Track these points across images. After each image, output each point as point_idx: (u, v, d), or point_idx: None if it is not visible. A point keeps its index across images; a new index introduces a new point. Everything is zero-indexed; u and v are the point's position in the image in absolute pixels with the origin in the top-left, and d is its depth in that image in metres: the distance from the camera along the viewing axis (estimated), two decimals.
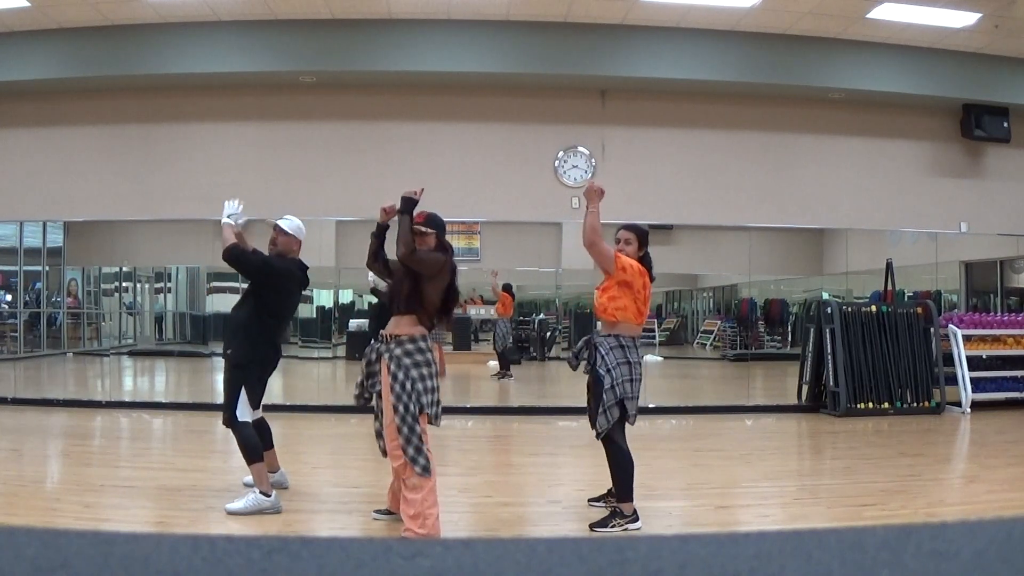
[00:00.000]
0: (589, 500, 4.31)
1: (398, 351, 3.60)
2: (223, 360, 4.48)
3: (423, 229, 3.69)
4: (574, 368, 4.14)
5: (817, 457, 6.63)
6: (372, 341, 3.83)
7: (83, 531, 0.52)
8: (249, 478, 4.30)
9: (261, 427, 4.49)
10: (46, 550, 0.49)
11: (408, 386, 3.55)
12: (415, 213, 3.68)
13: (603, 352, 3.91)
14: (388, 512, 3.96)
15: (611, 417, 3.83)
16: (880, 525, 0.54)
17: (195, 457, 5.81)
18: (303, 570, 0.48)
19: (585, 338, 4.12)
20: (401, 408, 3.54)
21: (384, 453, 3.79)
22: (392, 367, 3.58)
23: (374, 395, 3.83)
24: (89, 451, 6.22)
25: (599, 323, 4.13)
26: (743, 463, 5.77)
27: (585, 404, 4.13)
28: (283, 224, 4.54)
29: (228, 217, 4.31)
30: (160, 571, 0.47)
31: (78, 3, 7.47)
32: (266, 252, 4.50)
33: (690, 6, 7.75)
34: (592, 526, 3.92)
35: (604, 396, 3.83)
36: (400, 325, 3.66)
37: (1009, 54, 8.58)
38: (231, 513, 4.06)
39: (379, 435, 3.83)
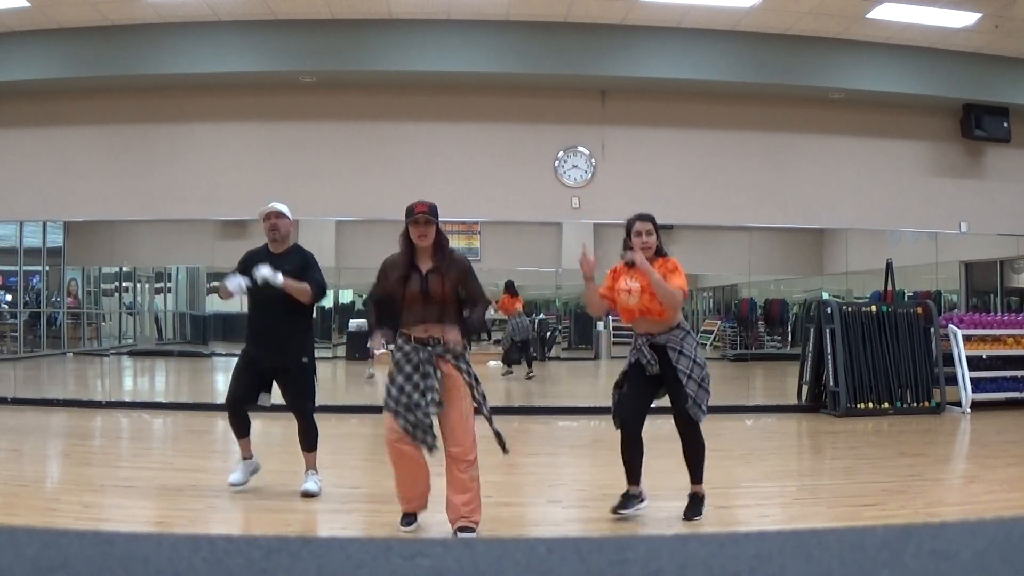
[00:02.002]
0: (616, 509, 4.00)
1: (458, 349, 3.71)
2: (286, 369, 4.46)
3: (430, 219, 3.66)
4: (657, 371, 3.96)
5: (817, 457, 6.63)
6: (401, 344, 3.69)
7: (83, 531, 0.52)
8: (313, 485, 4.46)
9: (245, 415, 4.57)
10: (46, 550, 0.49)
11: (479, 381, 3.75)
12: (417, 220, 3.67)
13: (679, 347, 3.92)
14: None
15: (705, 403, 3.92)
16: (880, 525, 0.54)
17: (195, 457, 5.81)
18: (303, 570, 0.48)
19: (644, 343, 3.98)
20: (486, 405, 3.72)
21: (430, 449, 3.63)
22: (462, 364, 3.68)
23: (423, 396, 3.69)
24: (89, 451, 6.22)
25: (644, 323, 4.00)
26: (743, 463, 5.77)
27: (610, 402, 4.15)
28: (283, 207, 4.54)
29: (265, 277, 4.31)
30: (160, 571, 0.47)
31: (78, 3, 7.47)
32: (269, 243, 4.53)
33: (690, 6, 7.75)
34: (688, 517, 3.94)
35: (703, 383, 3.90)
36: (450, 330, 3.67)
37: (1009, 54, 8.57)
38: (313, 494, 4.39)
39: (427, 429, 3.62)
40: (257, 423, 6.44)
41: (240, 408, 4.54)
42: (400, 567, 0.48)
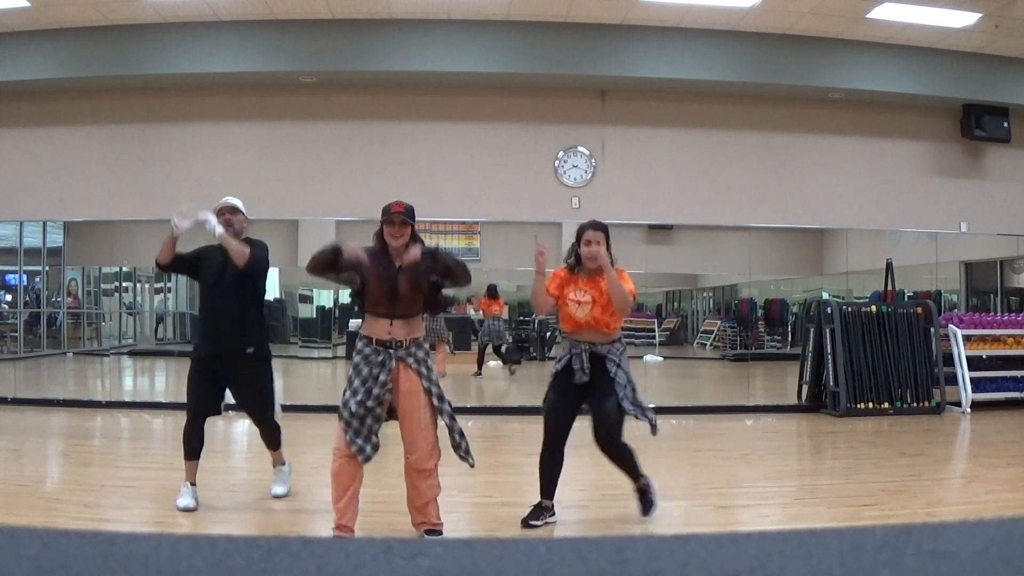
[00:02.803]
0: (528, 522, 3.93)
1: (420, 353, 3.59)
2: (233, 360, 4.22)
3: (406, 220, 3.54)
4: (585, 380, 3.87)
5: (817, 457, 6.63)
6: (367, 348, 3.56)
7: (83, 531, 0.52)
8: (281, 488, 4.40)
9: (202, 431, 4.30)
10: (46, 550, 0.49)
11: (439, 384, 3.61)
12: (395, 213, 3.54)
13: (617, 360, 3.85)
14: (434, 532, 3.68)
15: (650, 411, 3.85)
16: (880, 525, 0.54)
17: None
18: (303, 570, 0.48)
19: (584, 350, 3.85)
20: (447, 406, 3.56)
21: (372, 453, 3.51)
22: (423, 370, 3.55)
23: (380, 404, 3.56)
24: (89, 451, 6.21)
25: (589, 334, 3.88)
26: (743, 463, 5.77)
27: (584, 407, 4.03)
28: (237, 202, 4.32)
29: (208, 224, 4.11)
30: (160, 571, 0.47)
31: (78, 3, 7.47)
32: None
33: (690, 6, 7.75)
34: (647, 512, 3.90)
35: (637, 398, 3.83)
36: (414, 328, 3.59)
37: (1009, 54, 8.57)
38: (282, 496, 4.35)
39: (369, 438, 3.52)
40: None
41: (202, 420, 4.28)
42: (400, 567, 0.48)
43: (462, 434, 3.58)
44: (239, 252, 4.13)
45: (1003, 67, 8.66)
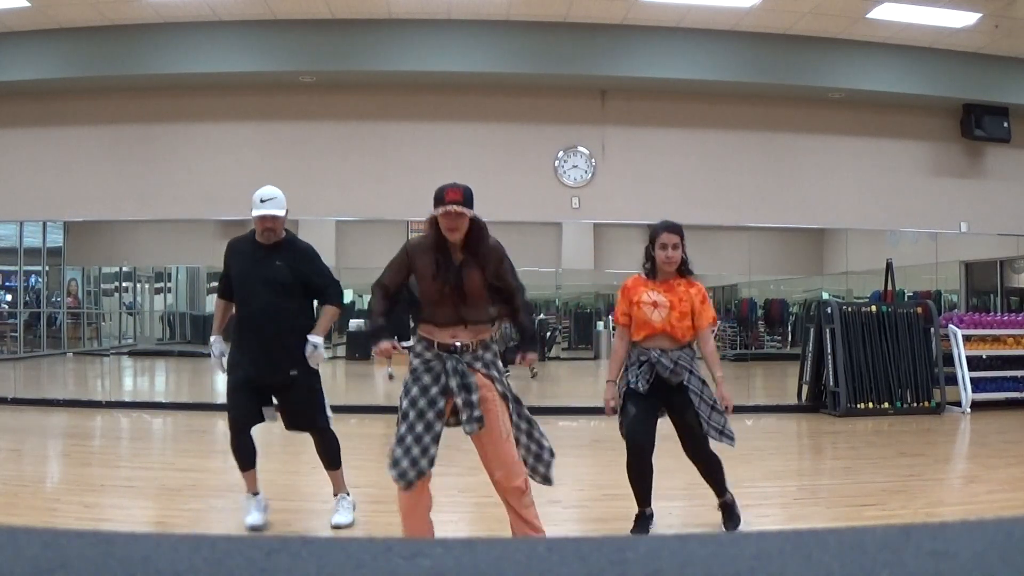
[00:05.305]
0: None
1: (488, 356, 3.13)
2: (285, 386, 3.91)
3: (462, 210, 3.13)
4: (675, 383, 3.64)
5: (817, 457, 6.63)
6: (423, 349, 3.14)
7: (83, 531, 0.52)
8: (346, 516, 3.98)
9: (251, 440, 3.95)
10: (46, 550, 0.49)
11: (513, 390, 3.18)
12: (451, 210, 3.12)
13: (689, 367, 3.68)
14: None
15: (727, 425, 3.74)
16: (880, 525, 0.54)
17: (195, 457, 5.81)
18: (303, 570, 0.48)
19: (656, 358, 3.63)
20: (526, 412, 3.13)
21: (419, 475, 3.00)
22: (494, 373, 3.12)
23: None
24: (89, 451, 6.22)
25: (660, 340, 3.67)
26: (743, 463, 5.76)
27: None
28: (275, 209, 3.89)
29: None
30: (160, 571, 0.47)
31: (78, 3, 7.47)
32: (259, 237, 3.96)
33: (690, 6, 7.75)
34: (734, 526, 3.87)
35: (716, 406, 3.68)
36: (481, 329, 3.15)
37: (1009, 54, 8.58)
38: (344, 527, 3.91)
39: (422, 470, 3.02)
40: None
41: (247, 431, 3.89)
42: (400, 567, 0.48)
43: (539, 456, 3.20)
44: (334, 316, 4.05)
45: (1003, 67, 8.66)
